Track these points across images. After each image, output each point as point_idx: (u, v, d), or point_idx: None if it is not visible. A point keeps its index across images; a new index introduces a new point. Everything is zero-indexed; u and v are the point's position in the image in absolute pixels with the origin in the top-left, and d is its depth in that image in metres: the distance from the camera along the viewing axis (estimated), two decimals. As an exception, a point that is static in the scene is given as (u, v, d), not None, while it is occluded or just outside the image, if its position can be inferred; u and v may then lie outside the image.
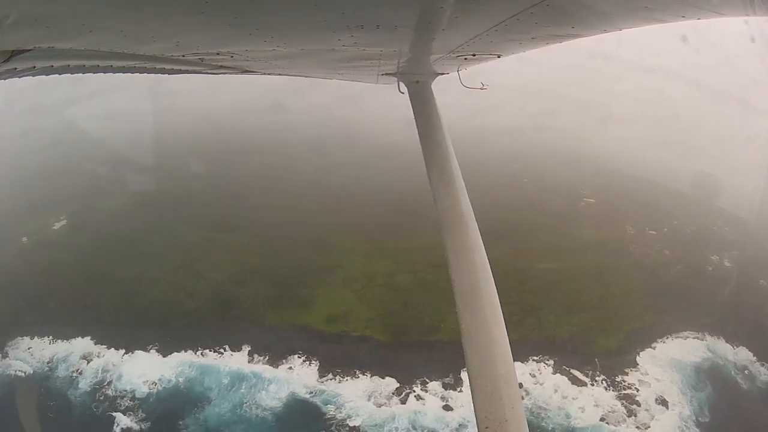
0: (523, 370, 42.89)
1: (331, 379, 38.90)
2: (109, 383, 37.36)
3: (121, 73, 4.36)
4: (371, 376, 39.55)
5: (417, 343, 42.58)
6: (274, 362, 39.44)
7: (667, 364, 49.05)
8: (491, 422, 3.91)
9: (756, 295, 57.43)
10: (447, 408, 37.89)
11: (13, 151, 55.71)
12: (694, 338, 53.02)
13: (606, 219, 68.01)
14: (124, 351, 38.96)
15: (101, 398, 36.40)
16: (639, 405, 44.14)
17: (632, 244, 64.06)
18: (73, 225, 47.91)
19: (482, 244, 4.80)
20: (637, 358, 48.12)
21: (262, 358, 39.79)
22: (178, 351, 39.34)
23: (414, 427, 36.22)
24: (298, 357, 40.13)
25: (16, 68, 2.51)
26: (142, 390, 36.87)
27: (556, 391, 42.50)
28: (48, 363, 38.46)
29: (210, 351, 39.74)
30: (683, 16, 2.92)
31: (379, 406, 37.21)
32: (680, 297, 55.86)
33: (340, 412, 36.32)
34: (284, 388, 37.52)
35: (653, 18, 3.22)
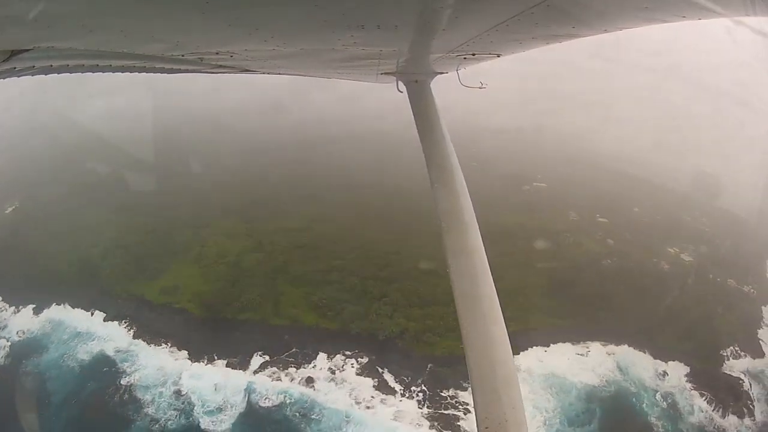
0: (322, 365, 38.87)
1: (139, 344, 42.26)
2: (-3, 332, 47.29)
3: (121, 73, 4.41)
4: (170, 346, 41.51)
5: (225, 321, 42.75)
6: (106, 324, 44.51)
7: (539, 383, 38.18)
8: (491, 422, 3.87)
9: (717, 298, 40.15)
10: (217, 387, 37.51)
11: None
12: (603, 349, 40.00)
13: (548, 204, 55.18)
14: (14, 308, 48.47)
15: (-11, 341, 46.38)
16: None
17: (564, 232, 50.63)
18: (19, 209, 60.89)
19: (482, 244, 4.83)
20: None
21: (99, 319, 45.26)
22: (48, 309, 47.32)
23: (176, 398, 37.02)
24: (124, 321, 44.52)
25: (15, 68, 2.53)
26: (14, 338, 45.76)
27: (350, 394, 36.99)
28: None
29: (67, 311, 46.85)
30: (684, 17, 2.90)
31: (160, 372, 39.06)
32: (601, 296, 42.67)
33: (129, 369, 39.65)
34: (99, 346, 42.41)
35: (653, 18, 3.21)
